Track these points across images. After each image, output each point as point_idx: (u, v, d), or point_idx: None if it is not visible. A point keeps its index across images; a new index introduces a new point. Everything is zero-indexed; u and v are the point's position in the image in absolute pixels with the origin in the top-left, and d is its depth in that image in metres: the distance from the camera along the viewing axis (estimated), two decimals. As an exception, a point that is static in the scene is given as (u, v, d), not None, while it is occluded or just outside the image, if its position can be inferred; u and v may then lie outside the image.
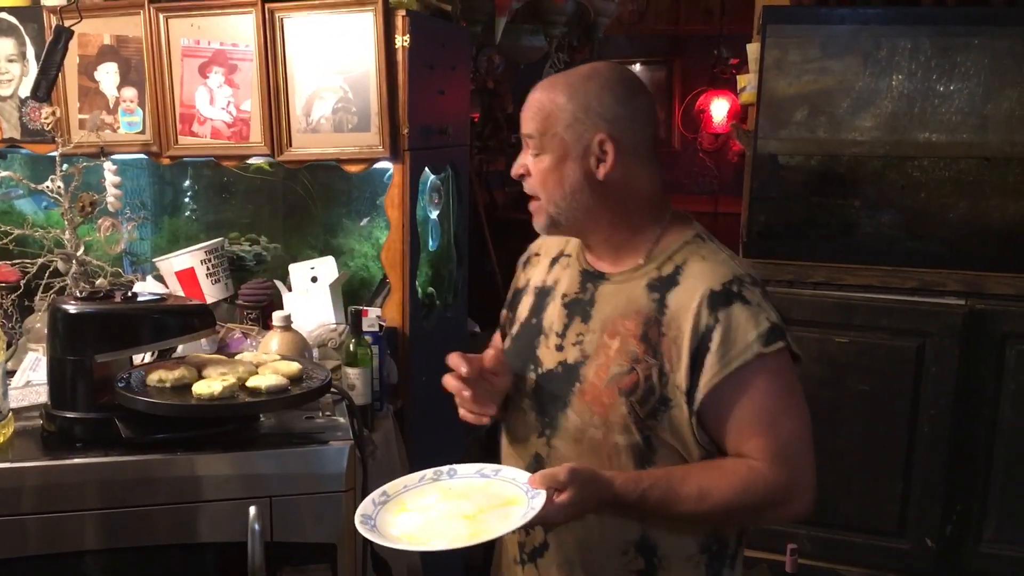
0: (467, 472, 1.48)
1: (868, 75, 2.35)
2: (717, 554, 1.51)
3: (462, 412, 1.54)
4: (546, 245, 1.70)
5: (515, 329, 1.65)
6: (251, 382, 1.71)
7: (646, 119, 1.52)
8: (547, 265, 1.65)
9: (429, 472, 1.48)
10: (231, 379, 1.68)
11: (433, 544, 1.31)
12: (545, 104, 1.50)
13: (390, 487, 1.44)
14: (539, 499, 1.32)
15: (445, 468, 1.49)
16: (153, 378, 1.66)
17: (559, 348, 1.54)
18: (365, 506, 1.38)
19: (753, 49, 2.56)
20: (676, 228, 1.54)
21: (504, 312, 1.74)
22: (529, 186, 1.52)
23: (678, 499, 1.40)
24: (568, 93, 1.49)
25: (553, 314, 1.57)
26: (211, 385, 1.65)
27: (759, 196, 2.51)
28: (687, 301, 1.44)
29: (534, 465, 1.52)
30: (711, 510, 1.41)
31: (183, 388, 1.67)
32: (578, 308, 1.54)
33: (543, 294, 1.62)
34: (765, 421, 1.42)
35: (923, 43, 2.33)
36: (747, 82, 2.61)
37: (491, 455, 1.70)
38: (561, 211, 1.51)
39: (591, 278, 1.56)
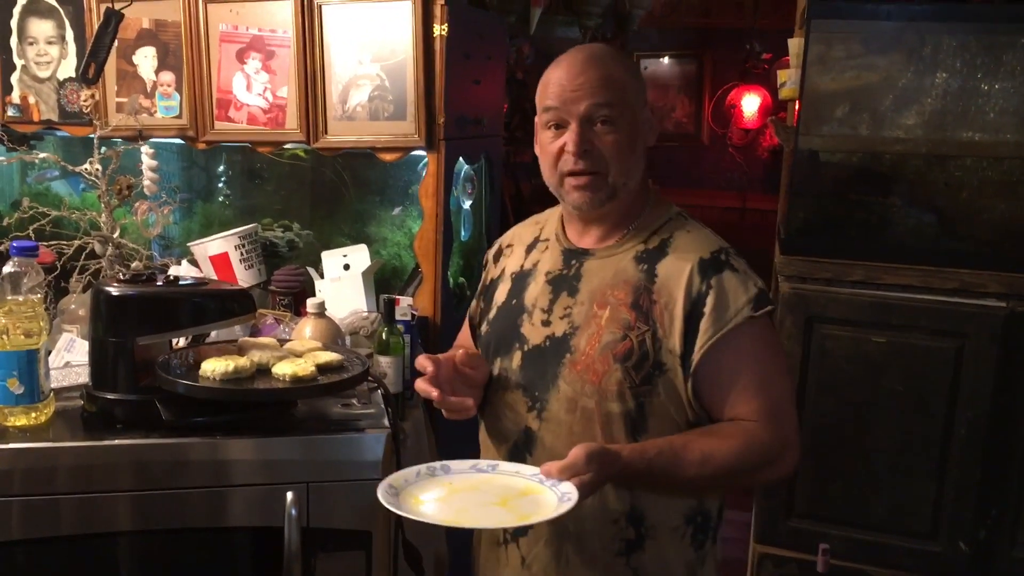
0: (461, 468, 1.46)
1: (912, 72, 2.31)
2: (701, 526, 1.57)
3: (444, 413, 1.54)
4: (517, 236, 1.75)
5: (492, 313, 1.68)
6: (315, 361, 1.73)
7: None
8: (522, 253, 1.69)
9: (422, 468, 1.45)
10: (311, 362, 1.70)
11: (486, 523, 1.34)
12: (615, 76, 1.52)
13: (394, 481, 1.40)
14: (566, 486, 1.33)
15: (437, 464, 1.46)
16: (217, 368, 1.64)
17: (545, 323, 1.57)
18: (387, 499, 1.34)
19: (795, 43, 2.53)
20: (658, 206, 1.62)
21: (475, 303, 1.78)
22: (592, 161, 1.51)
23: (683, 465, 1.43)
24: (623, 67, 1.56)
25: (536, 292, 1.60)
26: (299, 365, 1.67)
27: (798, 193, 2.48)
28: (678, 270, 1.51)
29: (523, 439, 1.56)
30: (713, 473, 1.45)
31: (248, 378, 1.67)
32: (563, 283, 1.58)
33: (522, 277, 1.65)
34: (758, 383, 1.48)
35: (969, 40, 2.29)
36: (788, 77, 2.58)
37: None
38: (626, 182, 1.54)
39: (575, 255, 1.60)
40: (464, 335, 1.85)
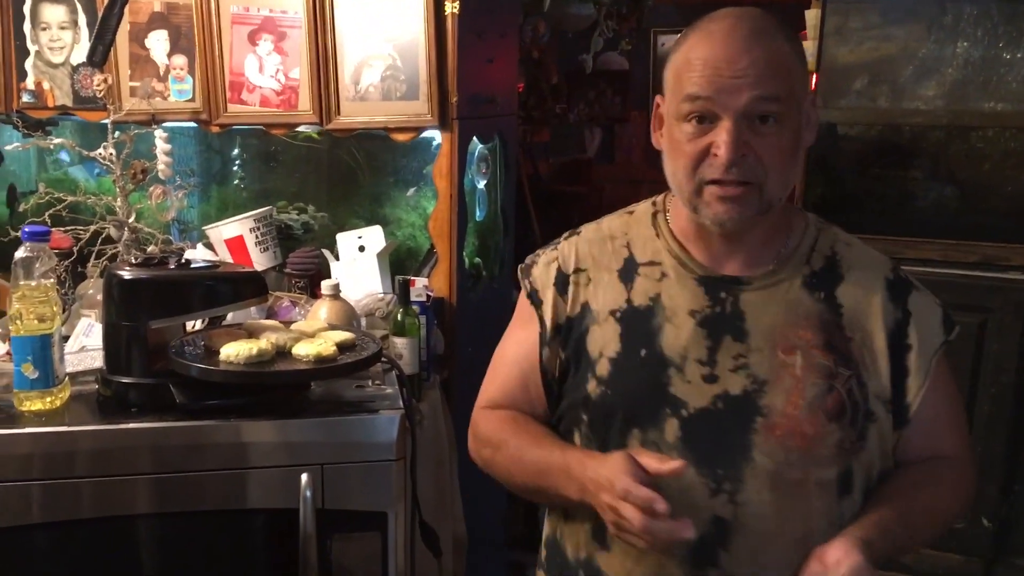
0: None
1: (932, 42, 2.28)
2: None
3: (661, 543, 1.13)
4: (590, 257, 1.35)
5: (605, 369, 1.27)
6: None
7: None
8: (615, 282, 1.31)
9: None
10: (330, 341, 1.70)
11: None
12: (784, 58, 1.18)
13: None
14: None
15: None
16: (240, 352, 1.64)
17: (710, 379, 1.22)
18: None
19: (812, 15, 2.49)
20: (795, 214, 1.33)
21: (545, 351, 1.34)
22: (747, 170, 1.18)
23: (917, 531, 1.23)
24: (790, 43, 1.20)
25: (682, 337, 1.24)
26: (320, 345, 1.67)
27: (816, 167, 2.45)
28: (864, 296, 1.25)
29: (713, 532, 1.21)
30: (936, 527, 1.27)
31: (269, 361, 1.67)
32: (722, 325, 1.24)
33: (638, 317, 1.28)
34: (956, 415, 1.31)
35: (990, 9, 2.25)
36: (805, 50, 2.54)
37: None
38: (781, 196, 1.22)
39: (721, 285, 1.26)
40: (510, 384, 1.39)
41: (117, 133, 2.29)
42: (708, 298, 1.26)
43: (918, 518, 1.22)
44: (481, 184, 2.81)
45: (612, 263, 1.33)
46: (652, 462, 1.13)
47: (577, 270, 1.35)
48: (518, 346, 1.38)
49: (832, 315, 1.24)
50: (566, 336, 1.32)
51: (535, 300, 1.36)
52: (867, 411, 1.22)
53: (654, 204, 1.37)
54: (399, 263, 2.61)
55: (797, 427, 1.19)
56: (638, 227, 1.36)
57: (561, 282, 1.35)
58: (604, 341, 1.29)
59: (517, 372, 1.38)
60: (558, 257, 1.37)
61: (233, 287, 1.72)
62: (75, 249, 2.31)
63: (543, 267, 1.38)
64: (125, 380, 1.67)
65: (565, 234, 1.41)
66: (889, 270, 1.29)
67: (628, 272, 1.31)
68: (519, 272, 1.42)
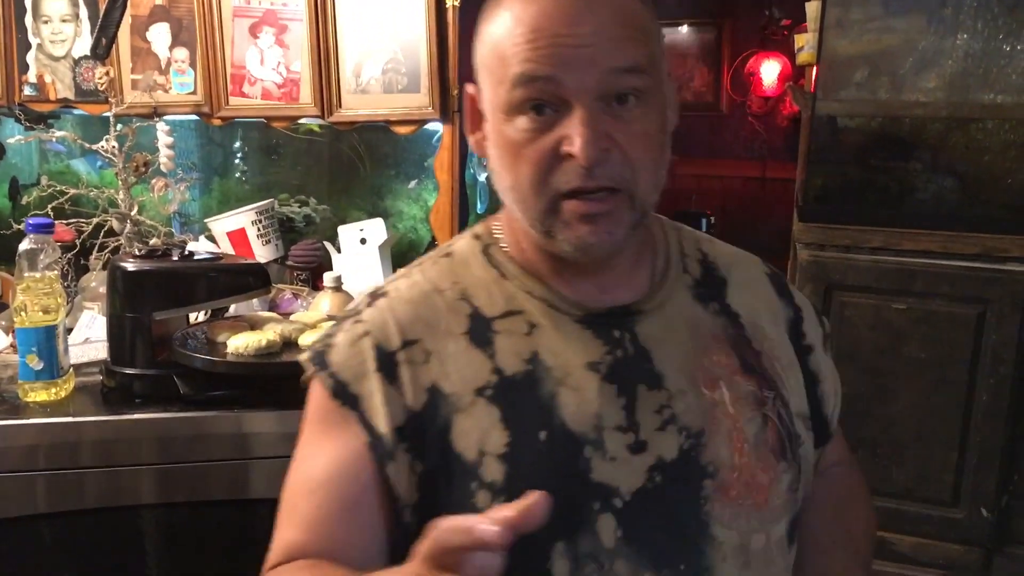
0: None
1: (932, 34, 2.27)
2: None
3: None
4: (420, 321, 0.95)
5: (496, 472, 0.88)
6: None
7: None
8: (467, 349, 0.94)
9: None
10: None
11: None
12: (636, 15, 0.89)
13: None
14: None
15: None
16: (249, 343, 1.66)
17: (636, 447, 0.90)
18: None
19: (812, 7, 2.49)
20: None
21: (390, 467, 0.90)
22: (611, 171, 0.87)
23: (868, 564, 1.08)
24: None
25: (588, 403, 0.91)
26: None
27: (816, 159, 2.45)
28: (755, 299, 1.05)
29: None
30: (873, 546, 1.16)
31: (277, 352, 1.69)
32: (631, 373, 0.93)
33: (519, 389, 0.92)
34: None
35: (990, 1, 2.25)
36: (805, 42, 2.54)
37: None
38: (654, 199, 0.93)
39: (611, 322, 0.96)
40: (323, 521, 0.92)
41: (119, 126, 2.30)
42: (601, 342, 0.94)
43: (865, 550, 1.09)
44: (482, 177, 2.82)
45: (452, 325, 0.95)
46: (473, 520, 0.69)
47: (406, 343, 0.94)
48: (330, 466, 0.93)
49: (735, 328, 1.01)
50: (417, 439, 0.91)
51: (345, 397, 0.94)
52: (796, 435, 0.99)
53: (478, 237, 1.03)
54: (401, 256, 2.62)
55: (751, 478, 0.93)
56: (468, 270, 0.99)
57: (386, 364, 0.93)
58: (481, 433, 0.90)
59: (336, 503, 0.92)
60: (368, 331, 0.96)
61: (237, 279, 1.74)
62: (77, 242, 2.32)
63: (347, 348, 0.95)
64: (129, 371, 1.69)
65: (362, 299, 1.02)
66: (762, 263, 1.10)
67: (480, 332, 0.95)
68: (306, 361, 0.99)
